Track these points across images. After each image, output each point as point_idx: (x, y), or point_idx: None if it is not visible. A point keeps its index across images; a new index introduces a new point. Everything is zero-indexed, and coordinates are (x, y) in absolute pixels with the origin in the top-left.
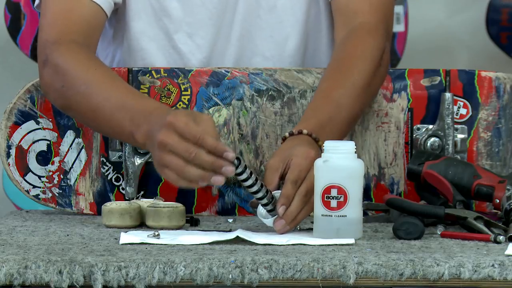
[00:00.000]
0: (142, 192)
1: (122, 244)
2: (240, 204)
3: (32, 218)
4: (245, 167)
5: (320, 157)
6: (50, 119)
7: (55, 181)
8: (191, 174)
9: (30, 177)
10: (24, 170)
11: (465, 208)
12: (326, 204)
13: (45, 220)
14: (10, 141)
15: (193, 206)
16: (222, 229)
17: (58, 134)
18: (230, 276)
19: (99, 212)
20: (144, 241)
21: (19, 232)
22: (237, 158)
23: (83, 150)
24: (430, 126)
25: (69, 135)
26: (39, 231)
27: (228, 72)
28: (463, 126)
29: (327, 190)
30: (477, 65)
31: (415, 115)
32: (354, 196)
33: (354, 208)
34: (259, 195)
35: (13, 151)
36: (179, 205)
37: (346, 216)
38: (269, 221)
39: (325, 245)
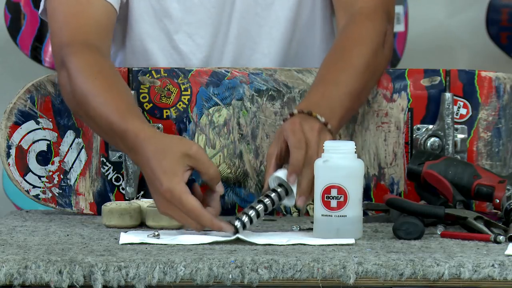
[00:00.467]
0: (142, 192)
1: (122, 244)
2: (240, 204)
3: (32, 218)
4: (245, 218)
5: (315, 126)
6: (50, 119)
7: (55, 181)
8: (193, 227)
9: (30, 177)
10: (24, 170)
11: (465, 208)
12: (326, 204)
13: (45, 220)
14: (10, 141)
15: None
16: None
17: (58, 134)
18: (230, 276)
19: (99, 212)
20: (144, 241)
21: (19, 232)
22: (236, 221)
23: (83, 150)
24: (430, 126)
25: (69, 135)
26: (39, 231)
27: (228, 72)
28: (463, 126)
29: (327, 190)
30: (477, 65)
31: (415, 115)
32: (354, 196)
33: (354, 208)
34: (269, 208)
35: (13, 151)
36: None
37: (346, 216)
38: (287, 202)
39: (325, 245)
